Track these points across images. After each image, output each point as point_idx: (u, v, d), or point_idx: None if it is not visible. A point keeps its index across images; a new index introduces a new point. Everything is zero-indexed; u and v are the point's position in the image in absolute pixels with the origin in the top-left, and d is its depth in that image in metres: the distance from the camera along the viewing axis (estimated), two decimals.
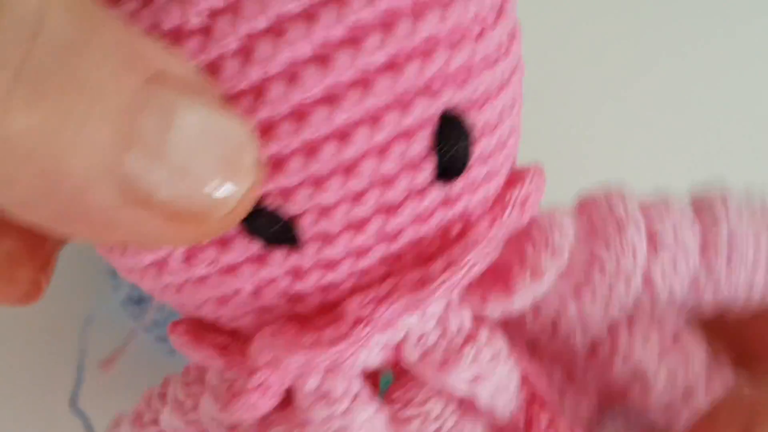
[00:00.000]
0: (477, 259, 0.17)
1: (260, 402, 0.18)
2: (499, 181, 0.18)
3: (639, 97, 0.48)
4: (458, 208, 0.17)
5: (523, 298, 0.18)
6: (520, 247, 0.18)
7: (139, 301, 0.39)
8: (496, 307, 0.18)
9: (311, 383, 0.18)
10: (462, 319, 0.18)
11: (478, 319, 0.19)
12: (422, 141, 0.16)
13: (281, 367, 0.17)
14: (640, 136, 0.47)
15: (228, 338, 0.18)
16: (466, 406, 0.19)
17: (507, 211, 0.17)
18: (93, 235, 0.14)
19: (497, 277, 0.18)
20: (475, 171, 0.17)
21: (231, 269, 0.16)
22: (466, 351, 0.18)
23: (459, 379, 0.18)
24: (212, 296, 0.17)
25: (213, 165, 0.13)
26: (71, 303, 0.41)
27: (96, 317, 0.40)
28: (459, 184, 0.17)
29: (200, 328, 0.19)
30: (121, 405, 0.38)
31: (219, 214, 0.14)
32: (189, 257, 0.16)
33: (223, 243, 0.16)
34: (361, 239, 0.16)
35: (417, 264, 0.17)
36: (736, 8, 0.50)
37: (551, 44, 0.44)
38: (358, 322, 0.16)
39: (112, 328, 0.40)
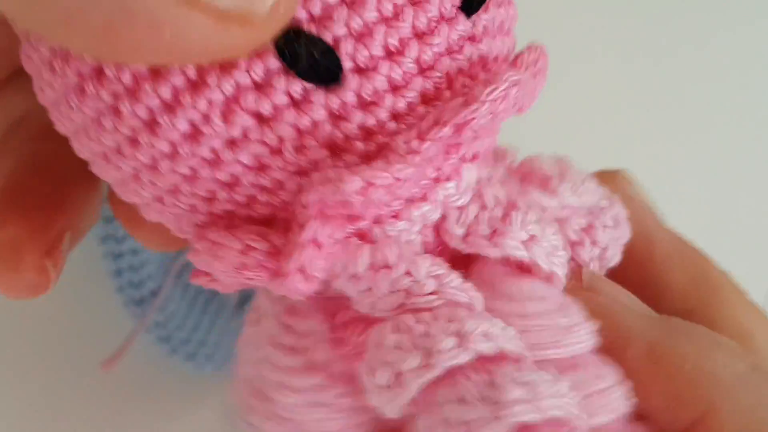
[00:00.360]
0: (512, 85, 0.17)
1: (314, 260, 0.17)
2: (509, 45, 0.19)
3: (638, 98, 0.48)
4: (483, 48, 0.18)
5: (558, 202, 0.19)
6: (557, 166, 0.19)
7: (139, 301, 0.39)
8: (531, 200, 0.19)
9: (363, 260, 0.17)
10: (496, 192, 0.18)
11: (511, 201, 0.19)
12: None
13: (332, 213, 0.17)
14: (640, 136, 0.47)
15: (264, 226, 0.18)
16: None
17: (523, 62, 0.18)
18: (139, 45, 0.14)
19: (533, 177, 0.19)
20: (491, 12, 0.18)
21: (272, 116, 0.16)
22: (512, 216, 0.18)
23: (515, 243, 0.18)
24: (254, 155, 0.17)
25: None
26: (72, 304, 0.41)
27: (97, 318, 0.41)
28: (481, 23, 0.17)
29: (230, 223, 0.18)
30: (121, 404, 0.38)
31: (263, 13, 0.14)
32: (227, 111, 0.16)
33: (263, 85, 0.16)
34: (400, 70, 0.16)
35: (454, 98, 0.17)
36: (736, 9, 0.50)
37: (549, 44, 0.44)
38: (409, 152, 0.16)
39: (112, 328, 0.40)
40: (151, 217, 0.19)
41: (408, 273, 0.17)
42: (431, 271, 0.17)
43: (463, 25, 0.17)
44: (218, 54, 0.15)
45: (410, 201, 0.18)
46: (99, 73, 0.16)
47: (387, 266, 0.17)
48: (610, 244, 0.20)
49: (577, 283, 0.19)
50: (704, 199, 0.45)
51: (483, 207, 0.18)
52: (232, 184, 0.17)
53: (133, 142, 0.17)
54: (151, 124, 0.16)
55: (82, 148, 0.18)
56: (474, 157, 0.18)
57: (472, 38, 0.18)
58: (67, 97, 0.17)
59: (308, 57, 0.16)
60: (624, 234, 0.20)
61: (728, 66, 0.49)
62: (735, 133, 0.48)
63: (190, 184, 0.17)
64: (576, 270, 0.19)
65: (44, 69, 0.17)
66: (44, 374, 0.41)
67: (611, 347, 0.18)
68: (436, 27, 0.17)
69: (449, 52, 0.17)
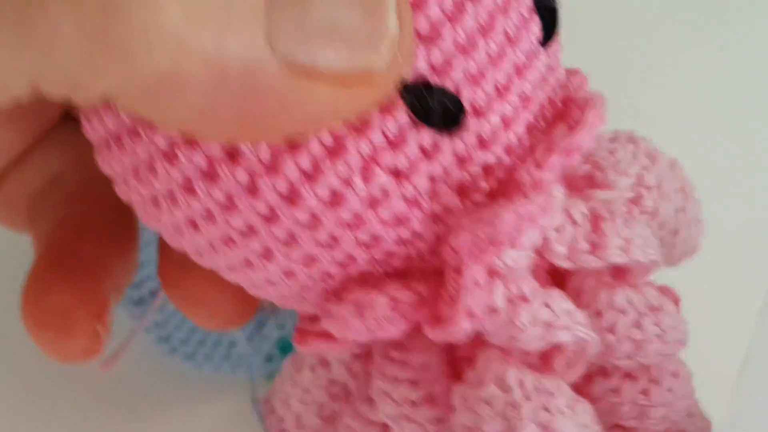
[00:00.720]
0: (603, 106, 0.19)
1: (479, 299, 0.17)
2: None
3: (639, 99, 0.48)
4: (559, 76, 0.19)
5: (618, 192, 0.20)
6: (585, 161, 0.21)
7: (139, 302, 0.39)
8: (600, 201, 0.20)
9: (499, 294, 0.17)
10: (580, 208, 0.19)
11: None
12: (527, 1, 0.18)
13: (486, 251, 0.17)
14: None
15: (399, 280, 0.18)
16: (625, 277, 0.20)
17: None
18: (273, 126, 0.15)
19: (576, 182, 0.20)
20: (555, 46, 0.19)
21: (409, 170, 0.17)
22: (603, 227, 0.19)
23: (616, 250, 0.19)
24: (394, 211, 0.17)
25: (360, 20, 0.14)
26: None
27: None
28: (551, 54, 0.19)
29: (366, 282, 0.18)
30: (120, 404, 0.38)
31: (382, 69, 0.14)
32: (366, 172, 0.16)
33: (396, 142, 0.16)
34: (509, 106, 0.17)
35: (554, 126, 0.18)
36: (737, 10, 0.50)
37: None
38: (536, 185, 0.17)
39: (112, 328, 0.40)
40: (263, 293, 0.19)
41: (546, 305, 0.18)
42: (565, 306, 0.18)
43: (544, 57, 0.18)
44: (347, 115, 0.16)
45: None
46: (233, 154, 0.16)
47: (525, 298, 0.18)
48: (661, 205, 0.21)
49: None
50: (705, 199, 0.45)
51: (575, 224, 0.19)
52: (372, 244, 0.17)
53: (272, 218, 0.17)
54: (292, 196, 0.16)
55: (196, 237, 0.18)
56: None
57: (549, 68, 0.19)
58: (192, 183, 0.17)
59: (440, 108, 0.16)
60: (678, 177, 0.22)
61: (728, 66, 0.49)
62: (735, 134, 0.48)
63: (330, 251, 0.17)
64: None
65: (159, 160, 0.17)
66: (43, 374, 0.41)
67: None
68: (528, 62, 0.18)
69: (540, 84, 0.18)
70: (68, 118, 0.24)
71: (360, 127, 0.16)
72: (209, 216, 0.17)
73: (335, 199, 0.16)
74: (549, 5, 0.18)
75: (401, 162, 0.17)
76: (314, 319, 0.20)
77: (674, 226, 0.22)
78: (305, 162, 0.16)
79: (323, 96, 0.14)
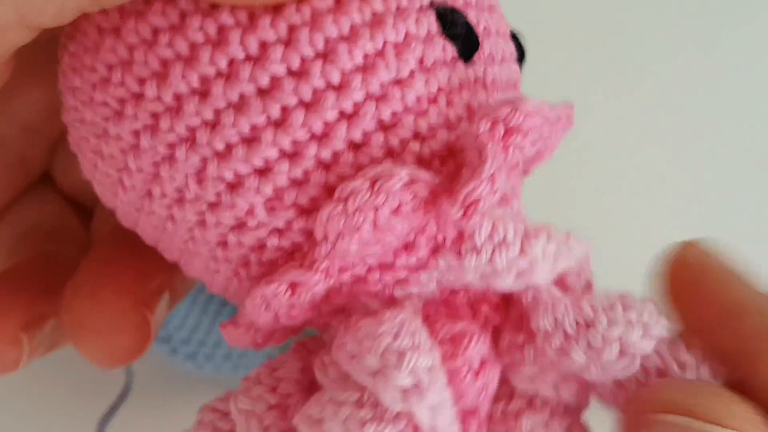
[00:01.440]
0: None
1: (501, 174, 0.18)
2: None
3: (640, 100, 0.48)
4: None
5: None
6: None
7: None
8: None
9: (485, 228, 0.18)
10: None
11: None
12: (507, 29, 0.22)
13: (507, 132, 0.18)
14: (641, 139, 0.47)
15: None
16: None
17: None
18: None
19: None
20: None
21: (433, 67, 0.19)
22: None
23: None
24: (416, 97, 0.19)
25: None
26: None
27: None
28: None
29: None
30: (121, 405, 0.38)
31: None
32: (399, 51, 0.18)
33: (426, 40, 0.19)
34: (499, 72, 0.20)
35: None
36: (739, 10, 0.50)
37: (550, 47, 0.44)
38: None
39: None
40: (246, 198, 0.18)
41: (522, 254, 0.18)
42: (544, 259, 0.19)
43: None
44: None
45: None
46: (276, 7, 0.18)
47: (506, 242, 0.18)
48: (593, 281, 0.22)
49: (681, 262, 0.20)
50: (706, 200, 0.45)
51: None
52: (390, 126, 0.19)
53: (302, 74, 0.18)
54: (327, 52, 0.18)
55: (194, 117, 0.18)
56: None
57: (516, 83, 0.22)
58: (197, 50, 0.18)
59: (461, 26, 0.19)
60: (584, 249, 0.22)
61: (733, 63, 0.49)
62: (736, 136, 0.48)
63: (349, 125, 0.18)
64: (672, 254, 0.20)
65: (165, 32, 0.18)
66: (42, 373, 0.41)
67: (724, 316, 0.19)
68: (506, 57, 0.21)
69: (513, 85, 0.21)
70: (47, 180, 0.25)
71: (397, 12, 0.18)
72: (225, 75, 0.18)
73: (367, 66, 0.18)
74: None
75: (428, 57, 0.19)
76: (276, 263, 0.19)
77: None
78: (345, 25, 0.18)
79: None
